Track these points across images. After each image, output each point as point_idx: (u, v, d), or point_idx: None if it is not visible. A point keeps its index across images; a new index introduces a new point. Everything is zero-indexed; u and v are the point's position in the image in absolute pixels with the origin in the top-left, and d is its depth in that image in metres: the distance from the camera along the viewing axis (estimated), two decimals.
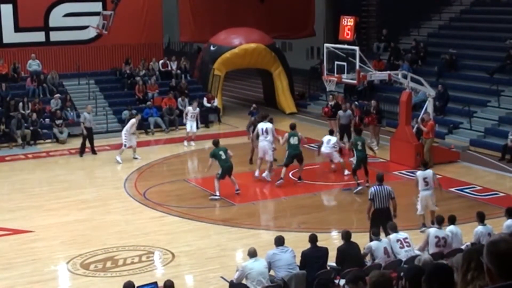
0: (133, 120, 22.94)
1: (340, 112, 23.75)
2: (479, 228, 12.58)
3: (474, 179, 19.68)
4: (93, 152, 23.63)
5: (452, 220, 13.05)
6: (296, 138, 19.38)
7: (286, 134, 19.66)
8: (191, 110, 25.32)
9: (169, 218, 17.00)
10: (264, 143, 19.77)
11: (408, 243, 12.27)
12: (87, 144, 23.55)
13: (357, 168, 18.61)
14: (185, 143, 25.00)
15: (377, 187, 14.27)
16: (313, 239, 12.04)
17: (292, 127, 19.76)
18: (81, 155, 23.49)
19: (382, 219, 13.68)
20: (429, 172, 15.50)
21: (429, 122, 20.94)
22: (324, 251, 11.97)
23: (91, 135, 23.68)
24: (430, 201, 15.24)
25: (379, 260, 11.90)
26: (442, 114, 24.91)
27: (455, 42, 28.88)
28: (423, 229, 14.64)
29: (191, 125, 25.01)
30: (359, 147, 18.63)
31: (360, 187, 18.34)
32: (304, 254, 11.82)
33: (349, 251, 11.91)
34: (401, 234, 12.43)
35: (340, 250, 12.11)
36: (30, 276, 13.49)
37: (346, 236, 12.17)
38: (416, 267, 7.43)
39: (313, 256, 11.75)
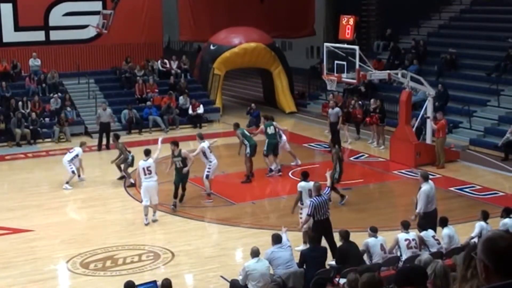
0: (79, 150, 20.14)
1: (329, 110, 23.82)
2: (507, 220, 12.69)
3: (473, 179, 19.66)
4: (108, 147, 24.15)
5: (445, 222, 12.82)
6: (272, 127, 20.22)
7: (262, 126, 20.74)
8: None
9: (168, 217, 17.00)
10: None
11: (416, 244, 12.29)
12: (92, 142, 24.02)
13: (267, 154, 19.84)
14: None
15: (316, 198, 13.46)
16: (312, 239, 12.10)
17: (269, 118, 20.76)
18: (99, 149, 24.16)
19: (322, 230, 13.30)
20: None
21: (441, 121, 20.96)
22: (323, 251, 12.03)
23: (108, 130, 24.27)
24: None
25: (376, 257, 11.95)
26: None
27: (455, 41, 28.87)
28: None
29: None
30: (269, 132, 19.75)
31: (273, 172, 19.72)
32: (303, 254, 11.85)
33: (349, 250, 11.95)
34: (411, 235, 12.43)
35: (340, 249, 12.15)
36: (30, 275, 13.50)
37: (345, 235, 12.20)
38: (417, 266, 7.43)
39: (312, 256, 11.78)
